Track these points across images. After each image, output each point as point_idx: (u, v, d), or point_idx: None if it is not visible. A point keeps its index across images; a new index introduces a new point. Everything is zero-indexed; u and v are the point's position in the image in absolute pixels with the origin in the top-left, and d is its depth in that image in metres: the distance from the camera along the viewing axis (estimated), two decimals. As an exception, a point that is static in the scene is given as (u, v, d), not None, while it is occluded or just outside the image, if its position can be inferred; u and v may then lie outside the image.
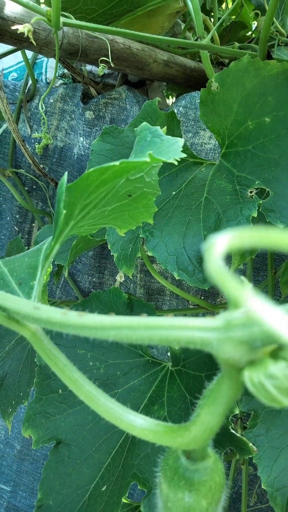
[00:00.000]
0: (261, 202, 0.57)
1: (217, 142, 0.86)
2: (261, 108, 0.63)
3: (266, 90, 0.63)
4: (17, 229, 1.10)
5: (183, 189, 0.66)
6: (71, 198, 0.36)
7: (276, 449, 0.66)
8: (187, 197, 0.65)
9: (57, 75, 1.01)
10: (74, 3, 0.85)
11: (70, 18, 0.76)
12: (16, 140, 0.82)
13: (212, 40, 0.90)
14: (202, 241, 0.60)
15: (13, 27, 0.73)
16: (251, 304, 0.14)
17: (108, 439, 0.69)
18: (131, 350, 0.73)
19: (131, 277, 0.69)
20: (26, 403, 0.80)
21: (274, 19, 0.88)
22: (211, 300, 0.94)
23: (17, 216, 1.10)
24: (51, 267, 0.47)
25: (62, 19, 0.71)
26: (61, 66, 0.99)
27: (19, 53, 0.96)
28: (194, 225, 0.61)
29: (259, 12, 1.05)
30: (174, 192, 0.66)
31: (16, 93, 1.02)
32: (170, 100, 1.19)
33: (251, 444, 0.64)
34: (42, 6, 0.83)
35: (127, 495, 0.64)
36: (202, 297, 0.94)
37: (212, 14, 1.06)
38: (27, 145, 0.98)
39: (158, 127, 0.42)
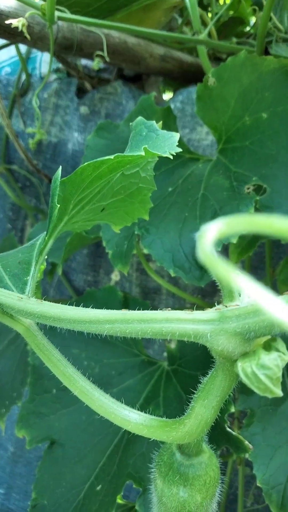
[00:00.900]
0: (258, 198, 0.57)
1: (214, 138, 0.85)
2: (258, 104, 0.62)
3: (263, 86, 0.62)
4: (10, 226, 1.08)
5: (179, 186, 0.65)
6: (65, 193, 0.35)
7: (272, 447, 0.66)
8: (184, 194, 0.64)
9: (51, 69, 1.00)
10: (69, -3, 0.83)
11: (65, 12, 0.75)
12: (10, 136, 0.80)
13: (209, 35, 0.89)
14: (199, 238, 0.59)
15: (7, 21, 0.71)
16: (249, 289, 0.14)
17: (103, 438, 0.68)
18: (126, 349, 0.73)
19: (126, 274, 0.68)
20: (20, 403, 0.79)
21: (272, 15, 0.87)
22: (209, 299, 0.93)
23: (10, 213, 1.09)
24: (45, 264, 0.47)
25: (56, 13, 0.70)
26: (55, 60, 0.98)
27: (12, 47, 0.95)
28: (191, 221, 0.61)
29: (256, 8, 1.04)
30: (170, 189, 0.65)
31: (9, 88, 1.01)
32: (167, 96, 1.18)
33: (246, 442, 0.64)
34: (37, 0, 0.82)
35: (121, 494, 0.64)
36: (199, 296, 0.94)
37: (210, 9, 1.05)
38: (20, 141, 0.97)
39: (154, 121, 0.41)
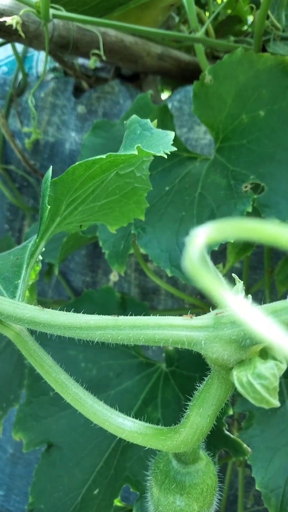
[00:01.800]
0: (256, 197, 0.56)
1: (212, 137, 0.84)
2: (256, 102, 0.61)
3: (260, 83, 0.61)
4: (7, 226, 1.08)
5: (176, 185, 0.64)
6: (56, 193, 0.34)
7: (271, 450, 0.65)
8: (181, 193, 0.63)
9: (48, 69, 0.99)
10: (64, -5, 0.82)
11: (61, 10, 0.74)
12: (6, 136, 0.80)
13: (207, 34, 0.88)
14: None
15: (1, 19, 0.71)
16: (231, 303, 0.13)
17: (101, 442, 0.67)
18: (124, 351, 0.72)
19: (123, 274, 0.67)
20: (18, 405, 0.78)
21: (270, 13, 0.87)
22: (208, 299, 0.92)
23: (8, 213, 1.08)
24: (40, 265, 0.46)
25: (51, 11, 0.69)
26: (52, 59, 0.97)
27: (9, 46, 0.94)
28: (188, 221, 0.60)
29: (254, 6, 1.03)
30: (167, 188, 0.64)
31: (6, 88, 1.00)
32: (165, 95, 1.17)
33: (245, 445, 0.63)
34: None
35: (119, 497, 0.63)
36: (198, 296, 0.93)
37: (207, 7, 1.04)
38: (17, 141, 0.96)
39: (148, 120, 0.40)
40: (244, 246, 0.63)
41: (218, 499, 0.36)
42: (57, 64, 1.00)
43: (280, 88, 0.60)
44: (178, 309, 0.94)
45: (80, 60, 1.01)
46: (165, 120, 0.68)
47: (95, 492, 0.65)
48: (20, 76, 0.98)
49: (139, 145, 0.33)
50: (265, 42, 0.88)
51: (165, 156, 0.34)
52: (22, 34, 0.69)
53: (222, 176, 0.62)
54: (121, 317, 0.27)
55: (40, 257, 0.49)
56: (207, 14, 1.10)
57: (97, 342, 0.78)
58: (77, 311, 0.32)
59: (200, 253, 0.14)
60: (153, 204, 0.63)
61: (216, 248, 0.58)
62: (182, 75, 0.98)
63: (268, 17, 0.86)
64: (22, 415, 0.68)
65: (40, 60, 1.01)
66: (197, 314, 0.30)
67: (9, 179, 1.03)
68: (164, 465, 0.37)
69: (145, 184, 0.44)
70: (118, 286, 1.00)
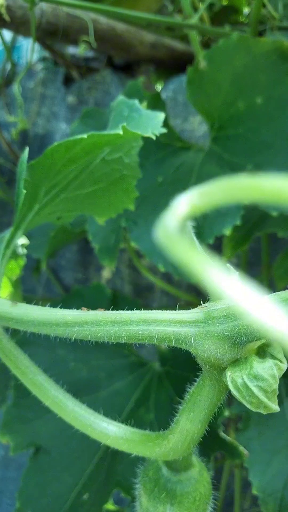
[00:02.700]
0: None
1: (207, 128, 0.82)
2: (252, 88, 0.58)
3: (257, 69, 0.58)
4: (-4, 222, 1.04)
5: (170, 176, 0.61)
6: (34, 178, 0.31)
7: (268, 453, 0.63)
8: (175, 184, 0.60)
9: (38, 58, 0.96)
10: (53, -21, 0.79)
11: (49, -5, 0.71)
12: (-7, 127, 0.77)
13: (201, 22, 0.85)
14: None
15: (-14, 3, 0.67)
16: (221, 283, 0.10)
17: (91, 444, 0.64)
18: (115, 350, 0.69)
19: (113, 269, 0.64)
20: (5, 407, 0.75)
21: (267, 1, 0.84)
22: (204, 296, 0.89)
23: (-3, 208, 1.05)
24: (24, 259, 0.43)
25: (38, -6, 0.66)
26: (42, 49, 0.94)
27: (-3, 35, 0.90)
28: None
29: (250, -5, 1.00)
30: (160, 179, 0.61)
31: (-6, 78, 0.96)
32: (159, 88, 1.14)
33: (242, 448, 0.61)
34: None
35: (113, 498, 0.61)
36: (194, 293, 0.90)
37: (202, -4, 1.01)
38: (5, 134, 0.93)
39: (137, 100, 0.37)
40: (241, 239, 0.60)
41: (213, 508, 0.33)
42: (47, 54, 0.97)
43: (278, 74, 0.57)
44: (173, 306, 0.91)
45: (71, 50, 0.98)
46: (158, 107, 0.65)
47: (85, 497, 0.62)
48: (9, 66, 0.95)
49: (125, 124, 0.30)
50: (261, 32, 0.86)
51: (154, 138, 0.31)
52: (7, 18, 0.65)
53: (218, 166, 0.59)
54: (101, 312, 0.24)
55: (25, 251, 0.46)
56: (201, 5, 1.07)
57: (88, 341, 0.75)
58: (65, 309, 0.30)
59: (179, 223, 0.11)
60: (145, 196, 0.60)
61: (211, 241, 0.55)
62: (176, 65, 0.95)
63: (264, 6, 0.83)
64: (9, 417, 0.65)
65: (29, 50, 0.97)
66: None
67: (-3, 173, 0.99)
68: (153, 472, 0.34)
69: (134, 172, 0.41)
70: (111, 283, 0.97)
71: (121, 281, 0.96)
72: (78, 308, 0.69)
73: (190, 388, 0.29)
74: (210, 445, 0.59)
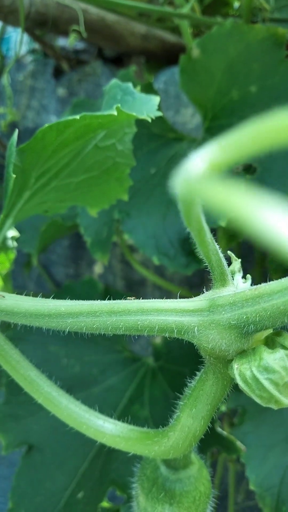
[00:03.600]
0: (248, 177, 0.52)
1: (199, 120, 0.80)
2: (246, 77, 0.57)
3: (251, 57, 0.57)
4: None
5: (163, 167, 0.60)
6: (24, 163, 0.30)
7: (265, 447, 0.62)
8: (168, 175, 0.59)
9: (27, 50, 0.94)
10: None
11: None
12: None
13: (193, 13, 0.84)
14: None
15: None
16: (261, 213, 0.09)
17: (86, 442, 0.63)
18: (108, 345, 0.68)
19: (105, 263, 0.63)
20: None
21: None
22: (196, 290, 0.88)
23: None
24: (14, 252, 0.41)
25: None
26: (32, 41, 0.92)
27: (-16, 25, 0.88)
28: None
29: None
30: (153, 170, 0.60)
31: (-18, 70, 0.94)
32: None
33: (238, 443, 0.60)
34: None
35: (108, 495, 0.59)
36: (187, 287, 0.89)
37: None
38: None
39: (130, 84, 0.36)
40: (236, 231, 0.59)
41: (212, 507, 0.32)
42: (36, 46, 0.95)
43: (273, 62, 0.56)
44: (166, 301, 0.90)
45: (61, 42, 0.96)
46: (150, 98, 0.64)
47: (79, 495, 0.61)
48: (-3, 58, 0.93)
49: (119, 105, 0.29)
50: (253, 23, 0.85)
51: (149, 120, 0.30)
52: (-5, 5, 0.63)
53: (211, 156, 0.58)
54: (98, 302, 0.22)
55: (15, 244, 0.45)
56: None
57: (81, 336, 0.73)
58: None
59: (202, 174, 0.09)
60: (138, 188, 0.59)
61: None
62: (167, 57, 0.93)
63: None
64: (1, 415, 0.64)
65: (18, 42, 0.95)
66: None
67: (-14, 167, 0.97)
68: (151, 471, 0.32)
69: (128, 159, 0.40)
70: (103, 278, 0.95)
71: (113, 276, 0.95)
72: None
73: (190, 383, 0.28)
74: (206, 440, 0.58)
